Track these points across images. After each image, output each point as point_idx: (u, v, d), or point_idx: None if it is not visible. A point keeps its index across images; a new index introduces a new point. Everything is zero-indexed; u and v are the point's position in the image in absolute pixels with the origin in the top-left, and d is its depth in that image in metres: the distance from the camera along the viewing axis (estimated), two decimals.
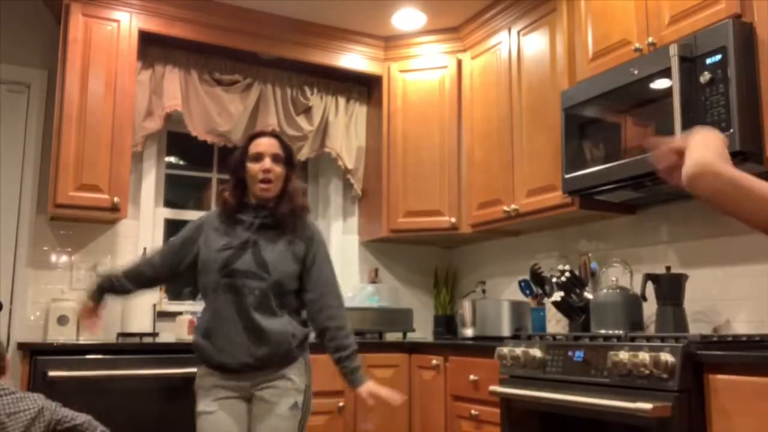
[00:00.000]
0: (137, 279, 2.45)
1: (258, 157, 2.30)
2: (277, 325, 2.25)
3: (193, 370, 2.64)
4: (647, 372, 2.01)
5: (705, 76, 2.28)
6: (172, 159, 3.85)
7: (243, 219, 2.32)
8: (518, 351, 2.52)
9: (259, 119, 3.73)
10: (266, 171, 2.28)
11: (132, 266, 2.49)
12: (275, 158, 2.31)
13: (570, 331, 2.96)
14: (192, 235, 2.41)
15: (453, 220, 3.66)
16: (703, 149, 1.19)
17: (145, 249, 3.45)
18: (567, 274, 2.95)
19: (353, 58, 3.85)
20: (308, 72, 3.88)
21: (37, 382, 2.59)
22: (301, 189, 2.39)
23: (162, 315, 3.38)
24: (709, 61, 2.28)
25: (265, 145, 2.33)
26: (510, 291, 3.69)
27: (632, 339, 2.23)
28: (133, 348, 2.89)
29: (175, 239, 2.48)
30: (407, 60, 3.88)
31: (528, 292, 3.40)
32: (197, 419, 2.27)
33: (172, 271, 2.44)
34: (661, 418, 1.93)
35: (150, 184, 3.61)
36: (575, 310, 2.94)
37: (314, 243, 2.37)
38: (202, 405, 2.26)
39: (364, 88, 4.07)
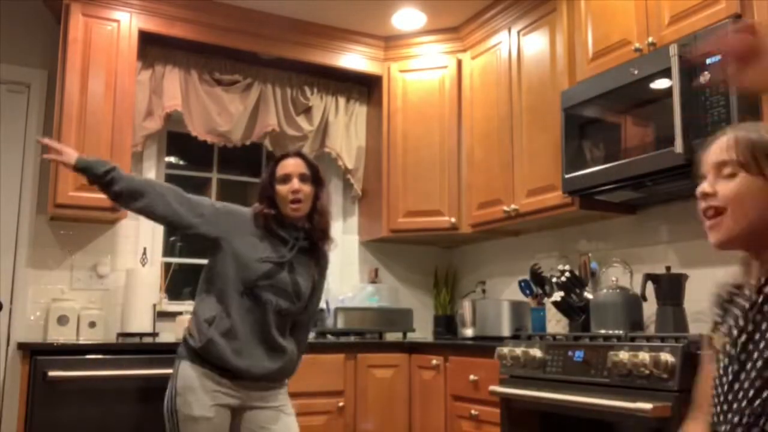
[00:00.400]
0: (135, 197, 2.21)
1: (286, 179, 2.32)
2: (289, 345, 2.31)
3: None
4: (647, 372, 2.01)
5: (705, 76, 2.28)
6: (172, 159, 3.85)
7: (284, 237, 2.31)
8: (518, 351, 2.52)
9: (259, 119, 3.73)
10: (295, 192, 2.30)
11: (141, 184, 2.24)
12: (302, 178, 2.34)
13: (570, 331, 2.96)
14: (221, 219, 2.30)
15: (453, 220, 3.66)
16: None
17: (145, 249, 3.45)
18: (567, 274, 2.95)
19: (353, 58, 3.85)
20: (308, 72, 3.88)
21: (37, 382, 2.60)
22: (329, 206, 2.42)
23: (162, 315, 3.38)
24: (709, 61, 2.28)
25: (291, 166, 2.35)
26: (510, 291, 3.69)
27: (632, 339, 2.23)
28: (133, 348, 2.89)
29: (202, 204, 2.30)
30: (407, 60, 3.88)
31: (528, 292, 3.40)
32: (193, 423, 2.15)
33: (180, 227, 2.29)
34: (661, 418, 1.93)
35: None
36: (575, 310, 2.94)
37: (324, 271, 2.45)
38: (199, 409, 2.15)
39: (364, 88, 4.07)
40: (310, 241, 2.35)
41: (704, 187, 1.23)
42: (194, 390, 2.17)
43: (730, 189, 1.19)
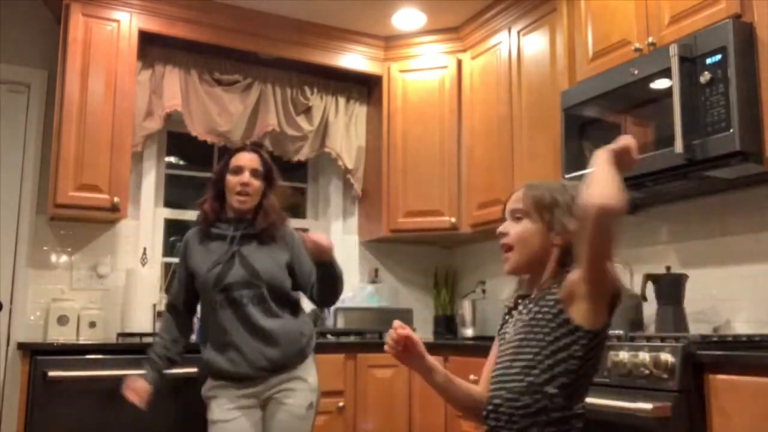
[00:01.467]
0: (180, 342, 2.46)
1: (237, 171, 2.39)
2: (283, 325, 2.32)
3: (193, 370, 2.64)
4: (647, 372, 2.01)
5: (705, 76, 2.28)
6: (172, 159, 3.84)
7: (223, 234, 2.38)
8: None
9: (259, 119, 3.73)
10: (244, 185, 2.37)
11: (170, 337, 2.45)
12: (254, 173, 2.40)
13: None
14: (183, 263, 2.46)
15: (453, 220, 3.66)
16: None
17: (144, 249, 3.45)
18: None
19: (353, 58, 3.85)
20: (308, 72, 3.88)
21: (37, 382, 2.59)
22: (277, 204, 2.46)
23: (162, 315, 3.37)
24: (709, 61, 2.28)
25: (245, 159, 2.41)
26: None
27: (632, 339, 2.23)
28: (133, 348, 2.88)
29: (179, 275, 2.50)
30: (407, 60, 3.88)
31: None
32: (212, 428, 2.29)
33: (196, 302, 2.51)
34: (661, 418, 1.93)
35: (150, 184, 3.61)
36: None
37: (292, 242, 2.45)
38: (218, 413, 2.29)
39: (364, 88, 4.07)
40: (253, 229, 2.38)
41: (501, 227, 1.56)
42: (213, 398, 2.33)
43: (517, 231, 1.52)
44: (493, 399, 1.49)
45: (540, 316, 1.45)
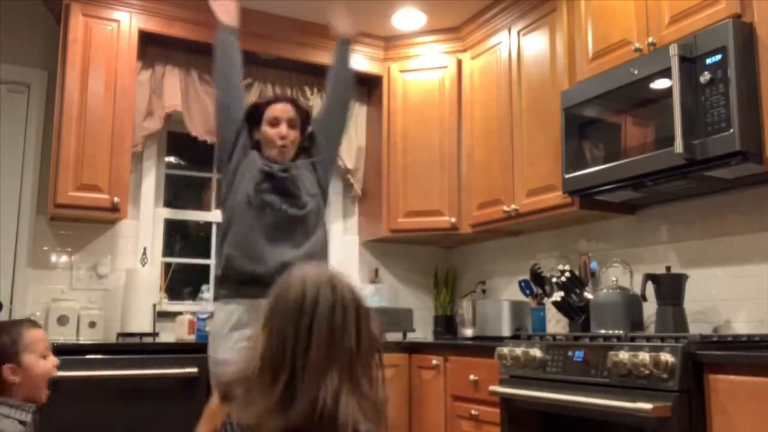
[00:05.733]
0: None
1: (275, 122, 2.43)
2: (311, 236, 2.41)
3: (194, 370, 2.65)
4: (647, 372, 2.01)
5: (705, 76, 2.28)
6: (172, 159, 3.84)
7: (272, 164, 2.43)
8: (518, 351, 2.52)
9: None
10: (282, 137, 2.41)
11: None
12: (291, 122, 2.44)
13: (570, 331, 2.96)
14: (238, 137, 2.48)
15: (453, 220, 3.66)
16: None
17: (144, 249, 3.45)
18: (567, 274, 2.95)
19: (353, 58, 3.83)
20: (308, 72, 3.87)
21: None
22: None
23: (162, 315, 3.38)
24: (709, 61, 2.28)
25: (280, 109, 2.46)
26: (510, 291, 3.69)
27: (632, 339, 2.23)
28: (133, 348, 2.89)
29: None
30: (407, 60, 3.88)
31: (528, 292, 3.40)
32: (220, 365, 2.23)
33: (235, 104, 2.55)
34: (661, 418, 1.93)
35: (150, 184, 3.61)
36: (575, 310, 2.94)
37: (321, 163, 2.56)
38: (224, 352, 2.24)
39: (364, 88, 4.07)
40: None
41: None
42: (221, 335, 2.28)
43: None
44: None
45: None
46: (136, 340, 3.15)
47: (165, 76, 3.52)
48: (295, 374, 1.12)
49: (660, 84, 2.45)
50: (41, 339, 1.96)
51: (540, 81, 3.17)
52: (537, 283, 3.27)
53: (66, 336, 3.12)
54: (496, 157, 3.42)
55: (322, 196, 2.53)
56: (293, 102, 2.51)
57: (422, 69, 3.84)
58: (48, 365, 1.96)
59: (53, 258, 3.33)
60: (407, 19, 3.69)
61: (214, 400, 2.11)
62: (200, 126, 3.59)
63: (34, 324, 1.99)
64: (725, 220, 2.67)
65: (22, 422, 1.83)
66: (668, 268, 2.70)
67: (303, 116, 2.50)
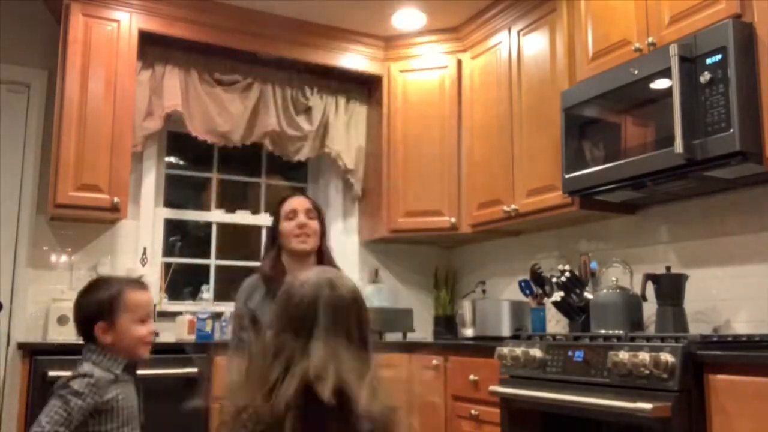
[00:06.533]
0: None
1: (292, 215, 2.34)
2: None
3: (194, 370, 2.64)
4: (647, 372, 2.01)
5: (705, 76, 2.28)
6: (172, 159, 3.84)
7: None
8: (518, 351, 2.52)
9: (259, 119, 3.73)
10: (302, 226, 2.32)
11: None
12: (308, 214, 2.35)
13: (570, 331, 2.96)
14: (245, 311, 2.32)
15: (453, 220, 3.66)
16: None
17: (144, 249, 3.45)
18: (567, 274, 2.95)
19: (353, 58, 3.85)
20: (308, 72, 3.88)
21: (36, 382, 2.59)
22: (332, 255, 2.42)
23: (162, 315, 3.38)
24: (709, 61, 2.28)
25: (296, 203, 2.38)
26: (510, 291, 3.69)
27: (632, 339, 2.23)
28: None
29: (241, 324, 2.31)
30: (407, 60, 3.88)
31: (528, 292, 3.40)
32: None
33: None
34: (661, 418, 1.93)
35: (150, 184, 3.60)
36: (575, 310, 2.94)
37: None
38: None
39: (364, 88, 4.07)
40: None
41: None
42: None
43: None
44: None
45: None
46: None
47: (165, 76, 3.52)
48: (290, 368, 1.17)
49: (660, 84, 2.45)
50: (143, 303, 1.86)
51: (540, 81, 3.17)
52: (537, 283, 3.27)
53: (66, 336, 3.11)
54: (496, 157, 3.42)
55: None
56: (306, 196, 2.47)
57: (422, 69, 3.84)
58: (143, 331, 1.83)
59: (53, 258, 3.33)
60: (407, 19, 3.69)
61: None
62: (200, 126, 3.59)
63: (141, 286, 1.89)
64: (725, 220, 2.67)
65: (114, 374, 1.78)
66: (668, 268, 2.70)
67: (319, 210, 2.41)
